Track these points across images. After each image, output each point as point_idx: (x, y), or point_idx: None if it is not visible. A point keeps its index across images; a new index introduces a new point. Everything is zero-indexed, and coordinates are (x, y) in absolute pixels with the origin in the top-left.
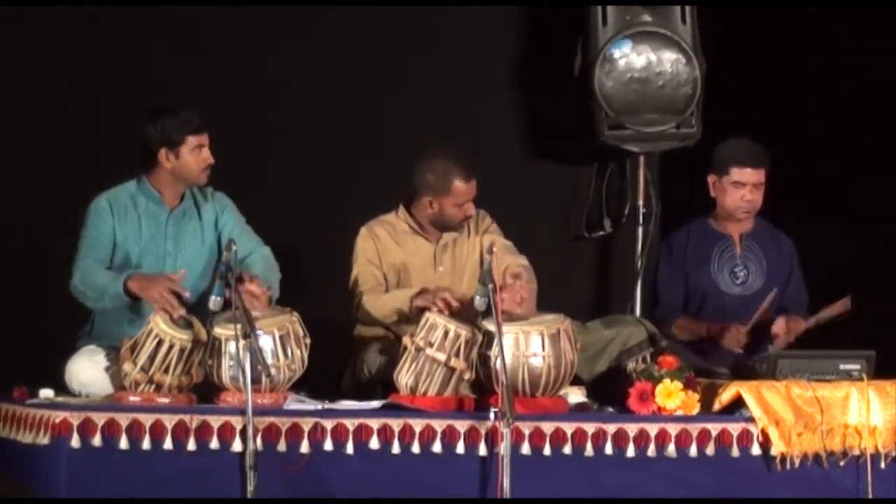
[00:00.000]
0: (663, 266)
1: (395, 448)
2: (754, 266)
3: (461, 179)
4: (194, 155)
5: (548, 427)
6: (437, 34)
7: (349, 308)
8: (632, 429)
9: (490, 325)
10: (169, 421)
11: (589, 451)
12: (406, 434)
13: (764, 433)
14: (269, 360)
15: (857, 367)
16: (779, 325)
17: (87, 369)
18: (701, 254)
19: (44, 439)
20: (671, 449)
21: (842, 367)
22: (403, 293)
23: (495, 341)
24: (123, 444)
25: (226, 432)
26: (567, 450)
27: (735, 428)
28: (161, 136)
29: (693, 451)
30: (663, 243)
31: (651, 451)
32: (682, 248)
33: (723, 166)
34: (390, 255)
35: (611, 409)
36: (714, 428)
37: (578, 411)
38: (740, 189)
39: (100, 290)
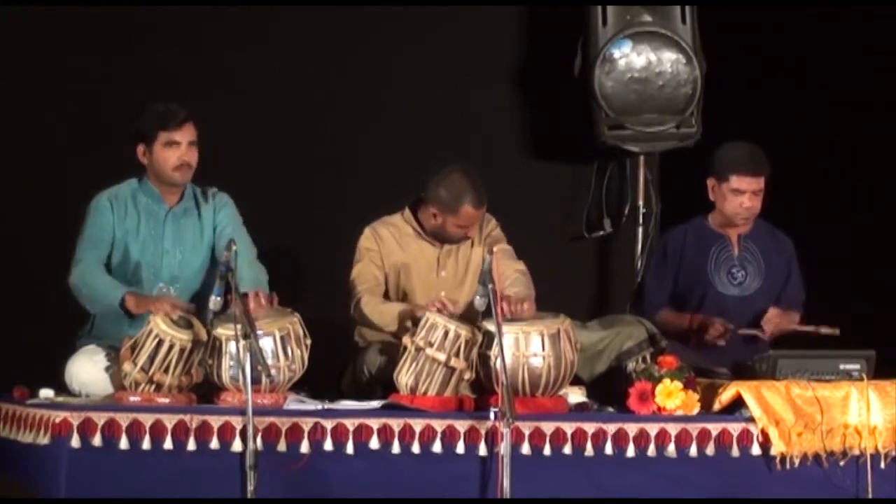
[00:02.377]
0: (655, 264)
1: (395, 448)
2: (752, 267)
3: (471, 205)
4: (166, 151)
5: (548, 427)
6: (437, 34)
7: (348, 307)
8: (632, 429)
9: (490, 325)
10: (169, 421)
11: (589, 451)
12: (406, 434)
13: (764, 433)
14: (270, 361)
15: (857, 367)
16: (772, 312)
17: (87, 369)
18: (698, 254)
19: (44, 439)
20: (671, 449)
21: (842, 367)
22: (402, 307)
23: (495, 341)
24: (123, 444)
25: (226, 432)
26: (567, 450)
27: (735, 428)
28: (138, 132)
29: (693, 451)
30: (659, 242)
31: (651, 451)
32: (679, 247)
33: (722, 173)
34: (393, 257)
35: (611, 409)
36: (714, 428)
37: (578, 411)
38: (739, 196)
39: (95, 295)
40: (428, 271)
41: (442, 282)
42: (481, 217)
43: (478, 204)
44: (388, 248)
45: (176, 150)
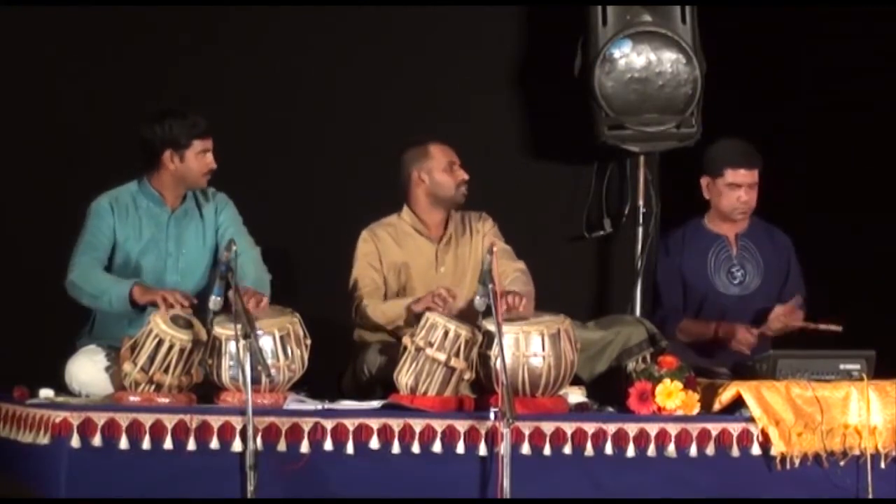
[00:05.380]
0: (662, 267)
1: (395, 448)
2: (751, 266)
3: (436, 142)
4: (199, 159)
5: (548, 427)
6: (437, 34)
7: (348, 310)
8: (632, 429)
9: (490, 325)
10: (169, 421)
11: (589, 451)
12: (406, 434)
13: (764, 433)
14: (270, 361)
15: (857, 367)
16: (778, 310)
17: (87, 369)
18: (697, 255)
19: (44, 439)
20: (671, 449)
21: (842, 367)
22: (402, 302)
23: (495, 341)
24: (123, 444)
25: (226, 432)
26: (567, 450)
27: (735, 428)
28: (167, 138)
29: (693, 451)
30: (660, 244)
31: (651, 451)
32: (679, 248)
33: (716, 168)
34: (392, 256)
35: (611, 409)
36: (714, 428)
37: (578, 411)
38: (736, 191)
39: (100, 290)
40: (427, 268)
41: (441, 278)
42: (454, 155)
43: (440, 140)
44: (387, 247)
45: (206, 157)
